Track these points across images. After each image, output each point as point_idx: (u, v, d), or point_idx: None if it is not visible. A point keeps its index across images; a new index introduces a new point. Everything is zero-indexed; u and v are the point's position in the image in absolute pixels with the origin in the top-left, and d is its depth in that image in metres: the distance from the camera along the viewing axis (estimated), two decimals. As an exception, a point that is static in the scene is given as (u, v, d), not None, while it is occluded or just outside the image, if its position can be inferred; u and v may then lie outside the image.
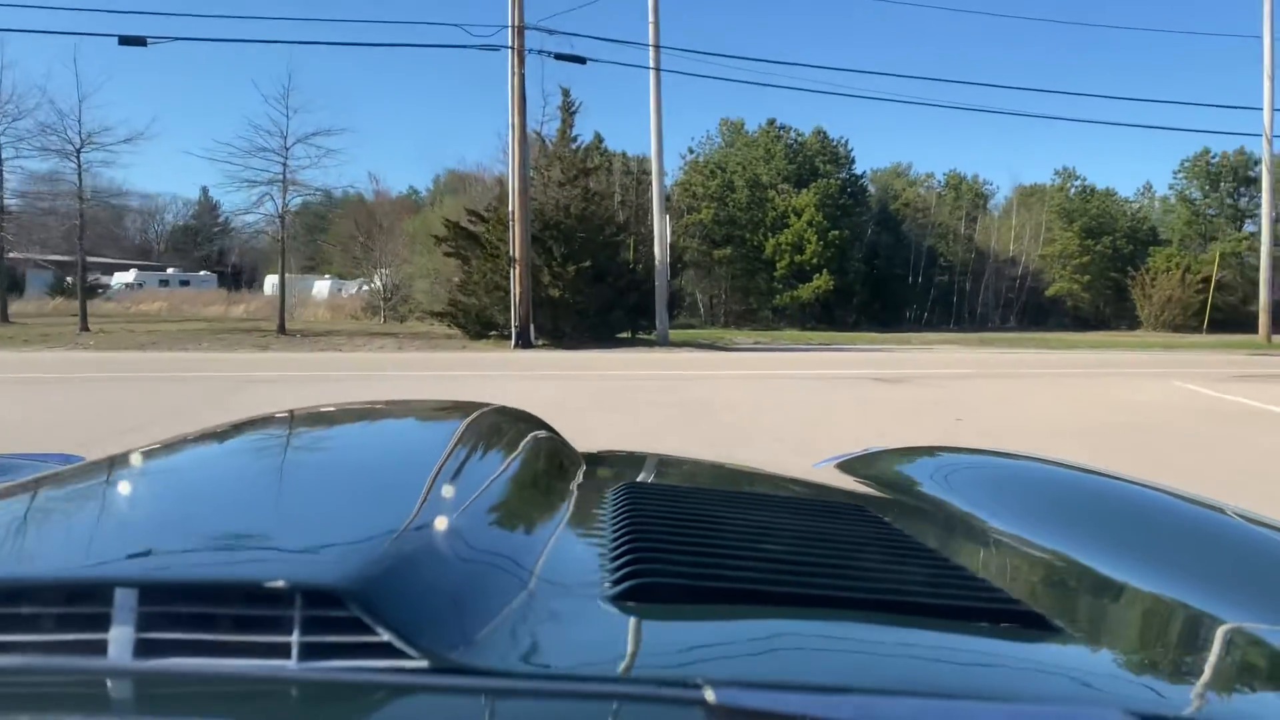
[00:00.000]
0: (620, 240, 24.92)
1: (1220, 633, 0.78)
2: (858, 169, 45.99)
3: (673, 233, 27.86)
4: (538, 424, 1.31)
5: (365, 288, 37.65)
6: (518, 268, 21.13)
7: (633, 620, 0.62)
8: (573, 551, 0.78)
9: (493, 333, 22.74)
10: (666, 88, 23.07)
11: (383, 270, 35.36)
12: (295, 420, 1.23)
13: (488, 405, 1.36)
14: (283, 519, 0.73)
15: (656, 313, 22.90)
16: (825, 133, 44.94)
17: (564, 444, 1.28)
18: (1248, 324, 40.55)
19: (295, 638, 0.51)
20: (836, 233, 40.12)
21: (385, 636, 0.52)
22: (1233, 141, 43.48)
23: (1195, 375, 13.61)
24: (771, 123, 44.96)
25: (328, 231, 43.75)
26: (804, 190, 41.38)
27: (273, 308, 25.19)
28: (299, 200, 24.10)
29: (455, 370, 13.62)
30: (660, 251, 22.93)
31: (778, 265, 40.29)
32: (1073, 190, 46.38)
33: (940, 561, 0.81)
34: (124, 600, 0.52)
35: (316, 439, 1.17)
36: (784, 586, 0.67)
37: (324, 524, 0.70)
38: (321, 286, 44.13)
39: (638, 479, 1.19)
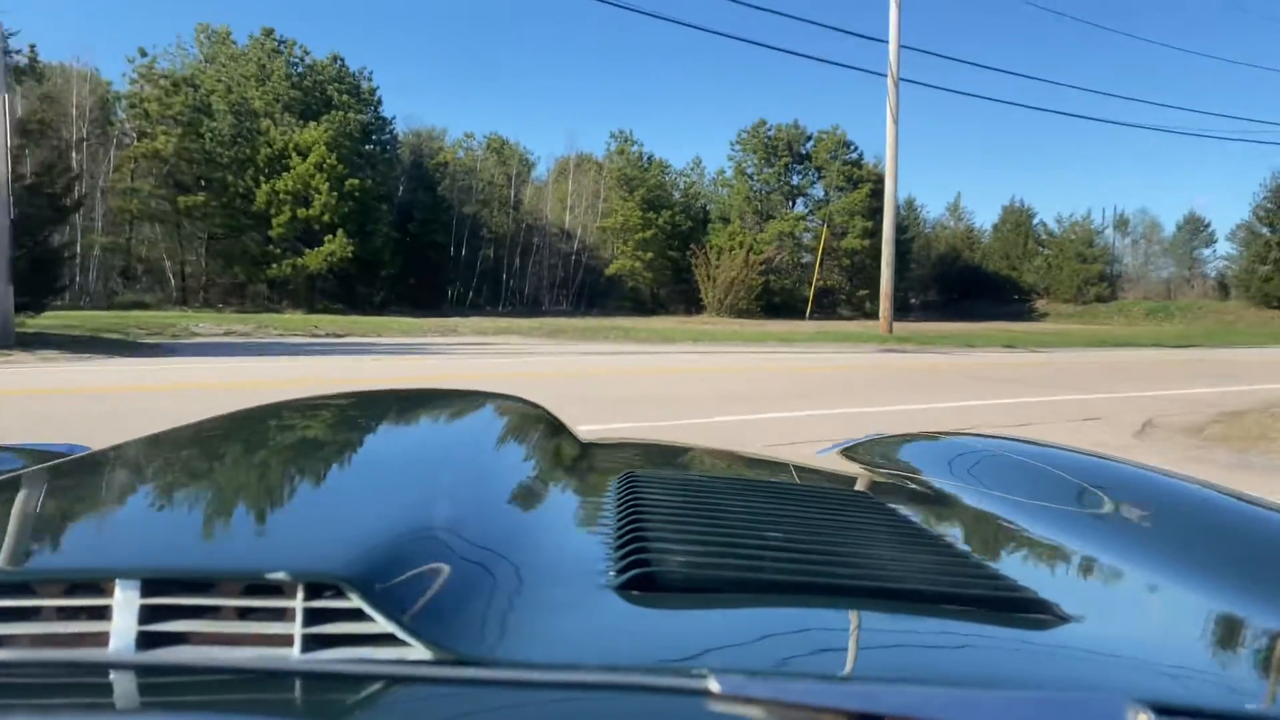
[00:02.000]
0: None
1: (1231, 621, 0.77)
2: (386, 112, 36.57)
3: (99, 163, 16.34)
4: (540, 411, 1.31)
5: None
6: None
7: (637, 610, 0.62)
8: (577, 540, 0.78)
9: None
10: None
11: None
12: (296, 411, 1.23)
13: (489, 393, 1.40)
14: (285, 509, 0.72)
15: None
16: (343, 60, 34.88)
17: (567, 432, 1.28)
18: (802, 310, 38.77)
19: (298, 628, 0.51)
20: (356, 181, 30.25)
21: (388, 627, 0.51)
22: (791, 111, 41.38)
23: (1119, 406, 6.66)
24: (269, 33, 33.64)
25: None
26: (312, 124, 30.96)
27: None
28: None
29: None
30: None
31: (275, 222, 29.40)
32: (631, 154, 41.34)
33: (946, 548, 0.80)
34: (126, 592, 0.52)
35: (317, 429, 1.17)
36: (789, 575, 0.67)
37: (326, 514, 0.70)
38: None
39: (641, 466, 1.14)
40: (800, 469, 1.28)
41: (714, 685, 0.45)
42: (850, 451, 1.56)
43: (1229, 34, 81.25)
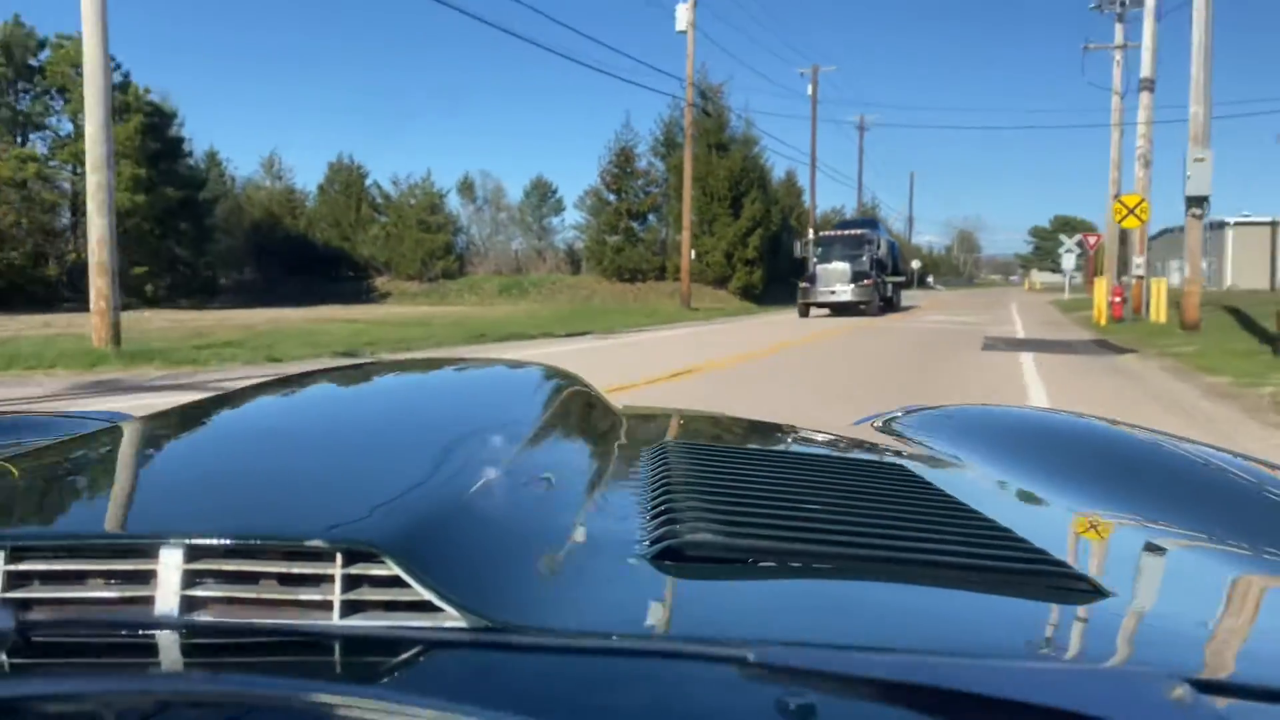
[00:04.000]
0: None
1: (1274, 596, 0.76)
2: None
3: None
4: (576, 380, 1.32)
5: None
6: None
7: (670, 580, 0.62)
8: (611, 510, 0.78)
9: None
10: None
11: None
12: (335, 377, 1.23)
13: (527, 363, 1.40)
14: (324, 476, 0.73)
15: None
16: None
17: (602, 400, 1.28)
18: (49, 297, 26.11)
19: (337, 595, 0.52)
20: None
21: (425, 594, 0.52)
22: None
23: None
24: None
25: None
26: None
27: None
28: None
29: None
30: None
31: None
32: None
33: (982, 521, 0.79)
34: (170, 557, 0.53)
35: (356, 396, 1.18)
36: (822, 546, 0.67)
37: (365, 482, 0.70)
38: None
39: (676, 436, 1.17)
40: (835, 440, 1.28)
41: (747, 654, 0.45)
42: (886, 423, 1.54)
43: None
